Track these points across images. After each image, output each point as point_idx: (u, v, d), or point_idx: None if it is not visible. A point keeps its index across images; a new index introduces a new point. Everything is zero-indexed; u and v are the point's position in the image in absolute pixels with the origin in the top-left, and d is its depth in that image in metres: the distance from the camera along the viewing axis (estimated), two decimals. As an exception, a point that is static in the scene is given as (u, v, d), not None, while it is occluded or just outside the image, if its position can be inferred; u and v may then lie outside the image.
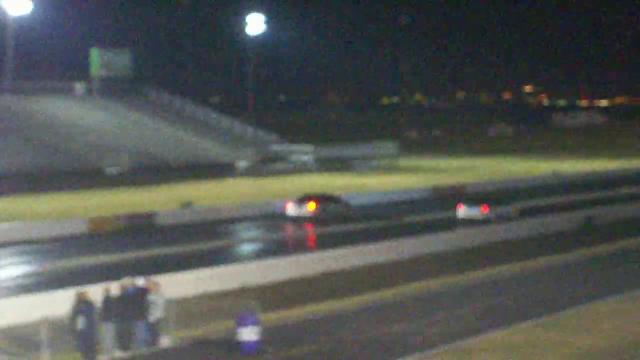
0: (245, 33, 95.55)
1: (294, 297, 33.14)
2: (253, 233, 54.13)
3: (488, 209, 56.21)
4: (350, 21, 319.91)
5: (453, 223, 53.63)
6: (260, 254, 44.71)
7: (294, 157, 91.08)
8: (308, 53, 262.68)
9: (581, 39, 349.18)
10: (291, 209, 57.29)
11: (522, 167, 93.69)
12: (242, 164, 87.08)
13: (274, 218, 57.61)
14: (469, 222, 54.44)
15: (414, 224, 54.93)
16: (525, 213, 57.98)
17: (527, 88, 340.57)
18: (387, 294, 34.18)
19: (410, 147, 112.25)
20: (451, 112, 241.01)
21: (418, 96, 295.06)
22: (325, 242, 45.99)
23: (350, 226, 54.43)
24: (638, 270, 39.67)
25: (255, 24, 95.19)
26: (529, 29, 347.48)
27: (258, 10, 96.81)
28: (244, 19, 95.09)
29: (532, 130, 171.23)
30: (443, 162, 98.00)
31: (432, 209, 62.04)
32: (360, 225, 54.80)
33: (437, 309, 31.40)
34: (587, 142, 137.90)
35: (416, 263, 40.97)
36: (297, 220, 56.68)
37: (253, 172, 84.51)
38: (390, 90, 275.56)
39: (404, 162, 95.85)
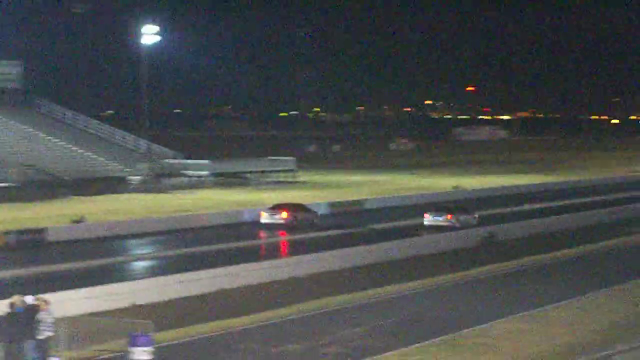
0: (140, 44, 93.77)
1: (190, 315, 31.97)
2: (147, 250, 52.53)
3: (452, 217, 59.63)
4: (249, 35, 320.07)
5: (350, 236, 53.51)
6: (154, 271, 43.29)
7: (190, 172, 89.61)
8: (204, 66, 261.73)
9: (482, 54, 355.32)
10: (264, 217, 60.33)
11: (424, 182, 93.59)
12: (136, 178, 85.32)
13: (169, 233, 56.19)
14: (435, 229, 57.34)
15: (308, 241, 54.14)
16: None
17: (436, 103, 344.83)
18: (285, 312, 33.21)
19: (310, 162, 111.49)
20: (352, 127, 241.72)
21: (319, 111, 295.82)
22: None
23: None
24: (539, 288, 39.12)
25: (149, 35, 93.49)
26: (431, 43, 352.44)
27: (152, 22, 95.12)
28: (139, 31, 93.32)
29: (434, 145, 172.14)
30: (343, 178, 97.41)
31: (327, 226, 61.04)
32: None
33: (335, 327, 30.51)
34: (489, 156, 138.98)
35: (314, 280, 40.04)
36: (269, 228, 59.23)
37: (147, 187, 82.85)
38: (289, 105, 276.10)
39: (302, 177, 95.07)
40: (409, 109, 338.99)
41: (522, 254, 48.94)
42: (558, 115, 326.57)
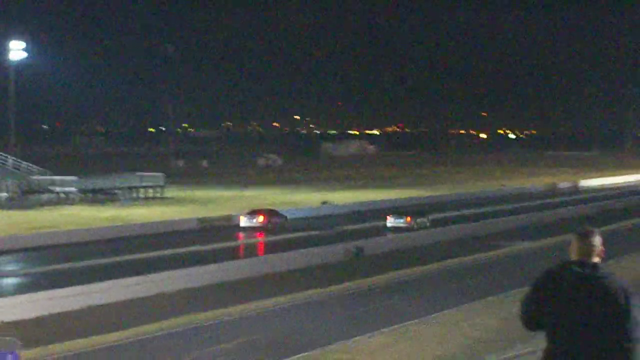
0: (6, 60, 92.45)
1: (58, 333, 31.68)
2: (13, 267, 51.77)
3: (411, 219, 68.33)
4: (116, 50, 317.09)
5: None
6: (21, 288, 42.69)
7: (57, 189, 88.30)
8: (73, 82, 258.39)
9: (350, 68, 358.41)
10: (243, 221, 68.53)
11: (292, 198, 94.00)
12: (2, 195, 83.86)
13: (35, 250, 55.48)
14: (396, 230, 66.04)
15: (180, 256, 54.09)
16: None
17: (305, 118, 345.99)
18: (152, 328, 33.24)
19: (178, 178, 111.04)
20: (220, 142, 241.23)
21: (187, 127, 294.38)
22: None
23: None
24: (406, 303, 39.68)
25: (16, 51, 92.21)
26: (299, 57, 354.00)
27: (19, 37, 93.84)
28: (5, 47, 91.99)
29: (302, 160, 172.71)
30: (212, 193, 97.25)
31: (198, 241, 61.13)
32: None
33: (201, 344, 30.74)
34: (358, 171, 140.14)
35: (178, 296, 40.15)
36: (247, 230, 67.53)
37: (14, 203, 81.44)
38: (157, 120, 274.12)
39: (171, 193, 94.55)
40: (277, 124, 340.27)
41: (389, 268, 49.44)
42: (426, 130, 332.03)
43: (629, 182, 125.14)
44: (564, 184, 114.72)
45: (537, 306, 7.08)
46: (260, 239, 64.83)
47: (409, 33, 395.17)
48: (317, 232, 66.28)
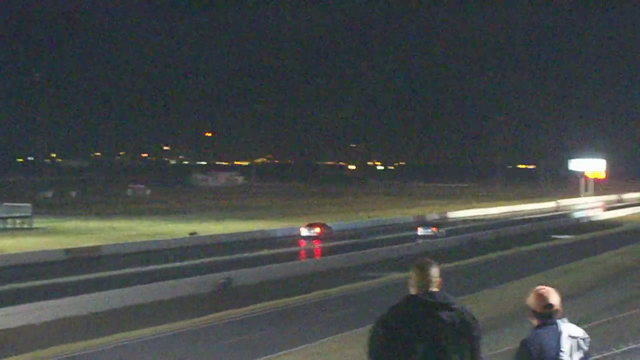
0: None
1: None
2: None
3: (436, 229, 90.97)
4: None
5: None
6: None
7: None
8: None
9: (219, 99, 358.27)
10: (304, 232, 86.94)
11: (161, 229, 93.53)
12: None
13: None
14: (425, 238, 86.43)
15: (46, 287, 53.42)
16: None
17: (174, 148, 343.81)
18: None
19: (46, 208, 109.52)
20: (89, 172, 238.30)
21: (55, 157, 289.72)
22: None
23: None
24: (274, 334, 39.97)
25: None
26: (168, 89, 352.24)
27: None
28: None
29: (171, 191, 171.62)
30: (81, 224, 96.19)
31: (65, 272, 60.48)
32: None
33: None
34: (227, 202, 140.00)
35: (48, 327, 39.84)
36: (308, 239, 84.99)
37: None
38: (25, 150, 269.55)
39: (39, 223, 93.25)
40: (145, 155, 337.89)
41: (258, 299, 49.70)
42: (295, 161, 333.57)
43: (498, 213, 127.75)
44: (432, 216, 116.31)
45: (386, 343, 7.08)
46: (126, 269, 64.05)
47: (273, 63, 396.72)
48: (184, 264, 65.70)
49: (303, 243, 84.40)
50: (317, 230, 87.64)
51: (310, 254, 73.40)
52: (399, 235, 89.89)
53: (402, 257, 70.74)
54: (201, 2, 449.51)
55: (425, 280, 7.29)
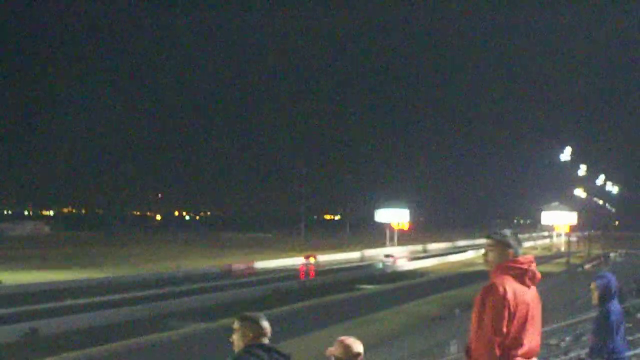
0: None
1: None
2: None
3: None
4: None
5: None
6: None
7: None
8: None
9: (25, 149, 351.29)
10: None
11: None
12: None
13: None
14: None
15: None
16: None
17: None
18: None
19: None
20: None
21: None
22: None
23: None
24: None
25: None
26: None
27: None
28: None
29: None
30: None
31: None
32: None
33: None
34: (33, 252, 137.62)
35: None
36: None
37: None
38: None
39: None
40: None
41: (67, 348, 49.61)
42: (102, 211, 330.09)
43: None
44: (239, 266, 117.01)
45: None
46: None
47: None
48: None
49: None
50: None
51: (110, 304, 72.81)
52: (205, 285, 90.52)
53: (207, 307, 71.81)
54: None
55: (258, 331, 7.59)
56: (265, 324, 7.64)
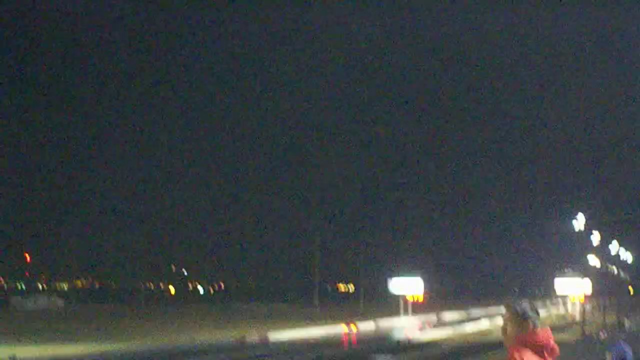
0: None
1: None
2: None
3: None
4: None
5: None
6: None
7: None
8: None
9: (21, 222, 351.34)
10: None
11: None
12: None
13: None
14: None
15: None
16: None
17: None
18: None
19: None
20: None
21: None
22: None
23: None
24: None
25: None
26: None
27: None
28: None
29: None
30: None
31: None
32: None
33: None
34: (47, 325, 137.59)
35: None
36: None
37: None
38: None
39: None
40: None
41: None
42: (116, 285, 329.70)
43: (320, 334, 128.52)
44: (252, 337, 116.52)
45: None
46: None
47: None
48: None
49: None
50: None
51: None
52: (219, 357, 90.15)
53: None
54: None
55: None
56: None
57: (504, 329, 8.14)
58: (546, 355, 7.82)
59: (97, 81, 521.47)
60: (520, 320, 7.99)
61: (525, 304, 8.12)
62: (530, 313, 8.03)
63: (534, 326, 7.97)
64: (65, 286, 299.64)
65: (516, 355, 7.72)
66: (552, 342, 7.90)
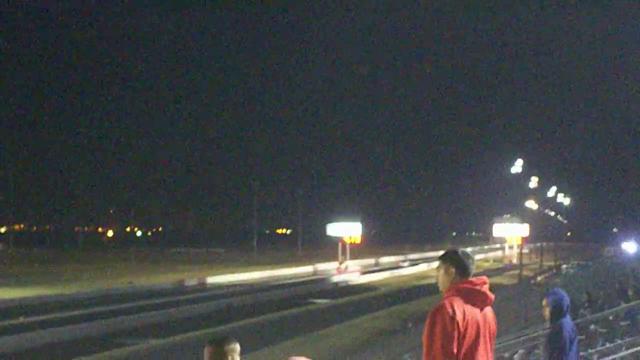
0: None
1: None
2: None
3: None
4: None
5: None
6: None
7: None
8: None
9: None
10: None
11: None
12: None
13: None
14: None
15: None
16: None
17: None
18: None
19: None
20: None
21: None
22: None
23: None
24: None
25: None
26: None
27: None
28: None
29: None
30: None
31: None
32: None
33: None
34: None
35: None
36: None
37: None
38: None
39: None
40: None
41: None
42: (52, 228, 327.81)
43: (256, 278, 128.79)
44: (191, 281, 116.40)
45: None
46: None
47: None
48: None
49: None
50: None
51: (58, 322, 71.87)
52: (157, 302, 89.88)
53: (160, 323, 71.48)
54: None
55: (224, 355, 6.83)
56: (235, 347, 6.91)
57: (438, 276, 7.94)
58: (479, 302, 7.64)
59: None
60: (453, 269, 7.79)
61: (459, 251, 7.93)
62: (465, 261, 7.83)
63: (468, 273, 7.77)
64: (2, 230, 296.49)
65: (446, 301, 7.56)
66: (485, 288, 7.71)
